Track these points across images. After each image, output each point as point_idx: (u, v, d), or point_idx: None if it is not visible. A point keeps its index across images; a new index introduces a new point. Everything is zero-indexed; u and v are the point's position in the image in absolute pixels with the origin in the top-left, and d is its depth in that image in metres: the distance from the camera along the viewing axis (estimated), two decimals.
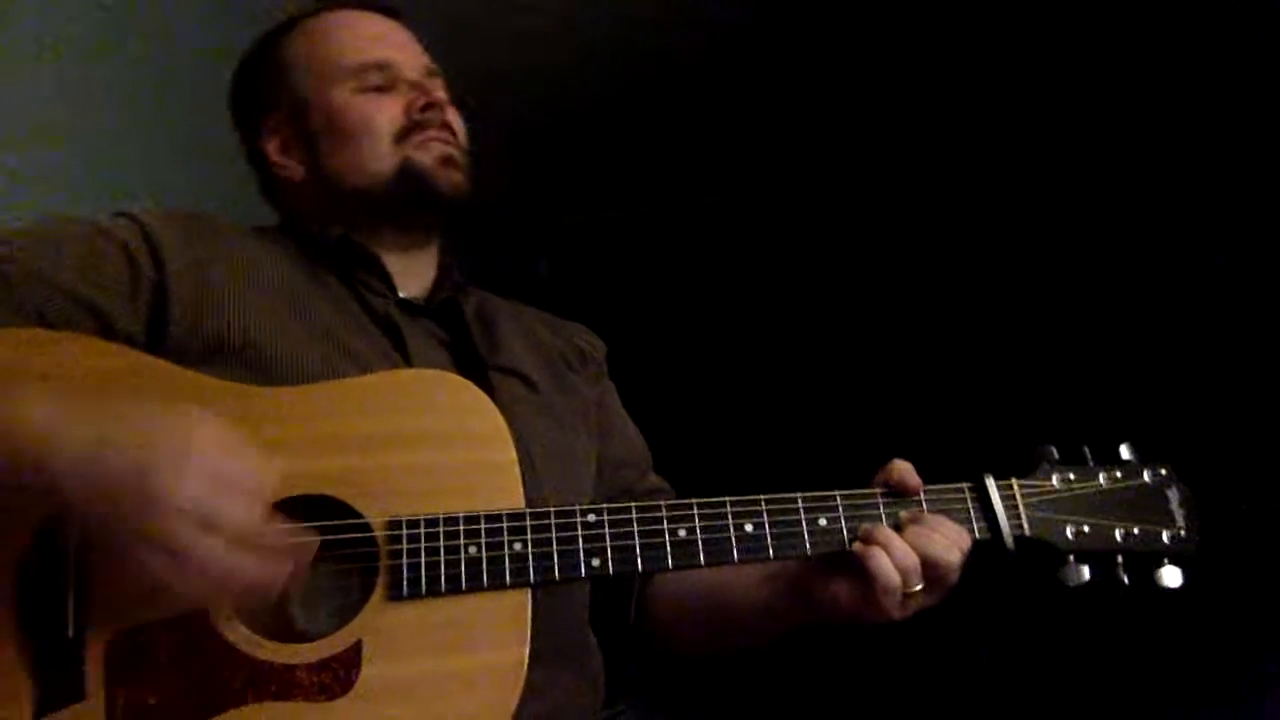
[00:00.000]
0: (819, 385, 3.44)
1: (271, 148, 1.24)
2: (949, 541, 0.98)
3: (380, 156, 1.18)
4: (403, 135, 1.19)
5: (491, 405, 1.01)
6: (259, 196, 1.33)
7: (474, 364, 1.19)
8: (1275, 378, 2.43)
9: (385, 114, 1.20)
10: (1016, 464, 1.09)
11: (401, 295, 1.21)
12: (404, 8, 1.33)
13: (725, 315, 3.73)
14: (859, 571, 0.97)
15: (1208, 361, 2.62)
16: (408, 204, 1.20)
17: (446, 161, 1.20)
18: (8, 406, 0.81)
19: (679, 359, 3.49)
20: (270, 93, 1.26)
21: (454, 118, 1.25)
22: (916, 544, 0.97)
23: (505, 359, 1.23)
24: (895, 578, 0.95)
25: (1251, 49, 2.55)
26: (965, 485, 1.05)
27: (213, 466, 0.80)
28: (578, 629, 1.17)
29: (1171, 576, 1.06)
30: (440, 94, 1.23)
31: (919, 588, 0.97)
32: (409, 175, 1.18)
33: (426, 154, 1.19)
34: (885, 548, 0.96)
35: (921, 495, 1.03)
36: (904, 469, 1.03)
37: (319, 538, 0.91)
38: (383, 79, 1.21)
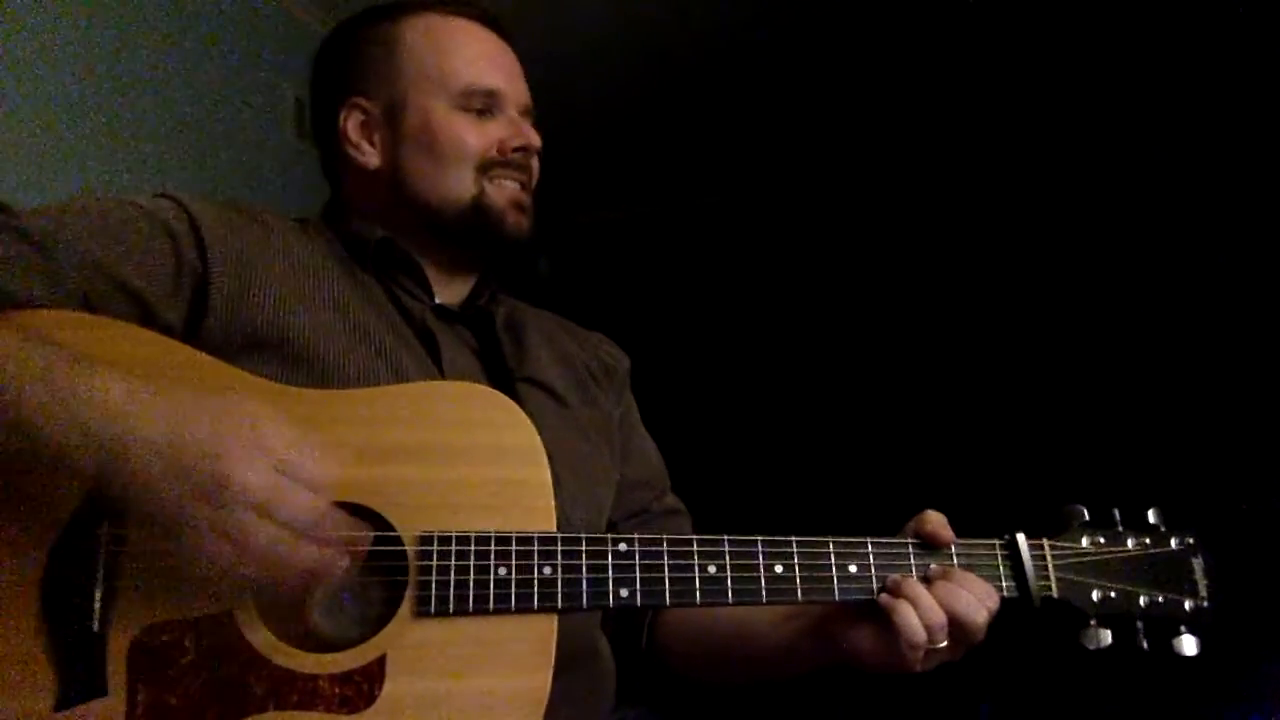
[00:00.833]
0: (817, 383, 3.44)
1: (351, 126, 1.23)
2: (977, 600, 0.97)
3: (460, 182, 1.19)
4: (487, 167, 1.20)
5: (528, 423, 1.00)
6: (261, 199, 1.32)
7: (502, 374, 1.19)
8: (1275, 376, 2.44)
9: (478, 141, 1.20)
10: (1042, 521, 1.09)
11: (437, 301, 1.20)
12: None
13: (727, 316, 3.73)
14: (885, 622, 0.97)
15: (1208, 358, 2.63)
16: (469, 235, 1.20)
17: (518, 205, 1.22)
18: (86, 382, 0.82)
19: (679, 359, 3.49)
20: (369, 73, 1.24)
21: (537, 160, 1.26)
22: (945, 600, 0.96)
23: (533, 370, 1.23)
24: (921, 634, 0.95)
25: (1251, 49, 2.56)
26: (996, 542, 1.04)
27: (279, 458, 0.82)
28: (590, 633, 1.17)
29: (1189, 645, 1.06)
30: (534, 139, 1.24)
31: (944, 644, 0.96)
32: (480, 210, 1.19)
33: (501, 194, 1.20)
34: (913, 602, 0.96)
35: (952, 549, 1.03)
36: (937, 521, 1.03)
37: (369, 534, 0.91)
38: (485, 105, 1.21)
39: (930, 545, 1.02)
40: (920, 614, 0.95)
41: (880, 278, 3.53)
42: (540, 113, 1.30)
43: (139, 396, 0.83)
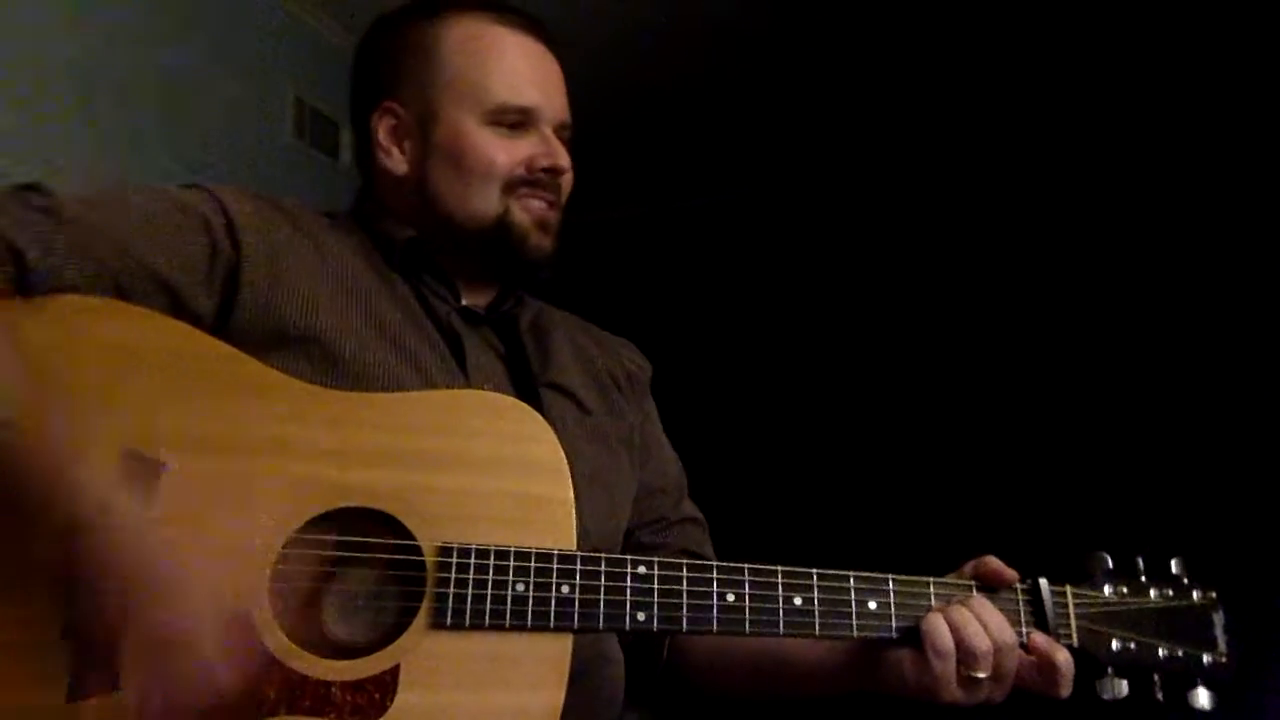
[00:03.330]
0: (821, 385, 3.42)
1: (383, 130, 1.21)
2: (1005, 625, 0.99)
3: (486, 199, 1.17)
4: (513, 185, 1.17)
5: (554, 438, 0.99)
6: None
7: (526, 379, 1.18)
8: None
9: (507, 159, 1.17)
10: (1063, 566, 1.08)
11: (464, 303, 1.20)
12: None
13: (731, 316, 3.71)
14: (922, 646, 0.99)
15: (1210, 359, 2.61)
16: (491, 252, 1.19)
17: (542, 225, 1.19)
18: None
19: (681, 359, 3.47)
20: (403, 77, 1.21)
21: (568, 179, 1.22)
22: (954, 623, 0.98)
23: (557, 376, 1.22)
24: (948, 639, 0.96)
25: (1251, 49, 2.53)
26: (1019, 586, 1.04)
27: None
28: (605, 643, 1.15)
29: (1204, 699, 1.05)
30: (563, 160, 1.20)
31: (982, 674, 0.97)
32: (504, 229, 1.17)
33: (527, 214, 1.18)
34: (945, 615, 0.98)
35: (974, 590, 1.02)
36: (998, 564, 1.04)
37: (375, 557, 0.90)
38: (518, 120, 1.18)
39: (989, 587, 1.03)
40: (951, 624, 0.97)
41: (887, 281, 3.49)
42: None
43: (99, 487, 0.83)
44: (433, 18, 1.22)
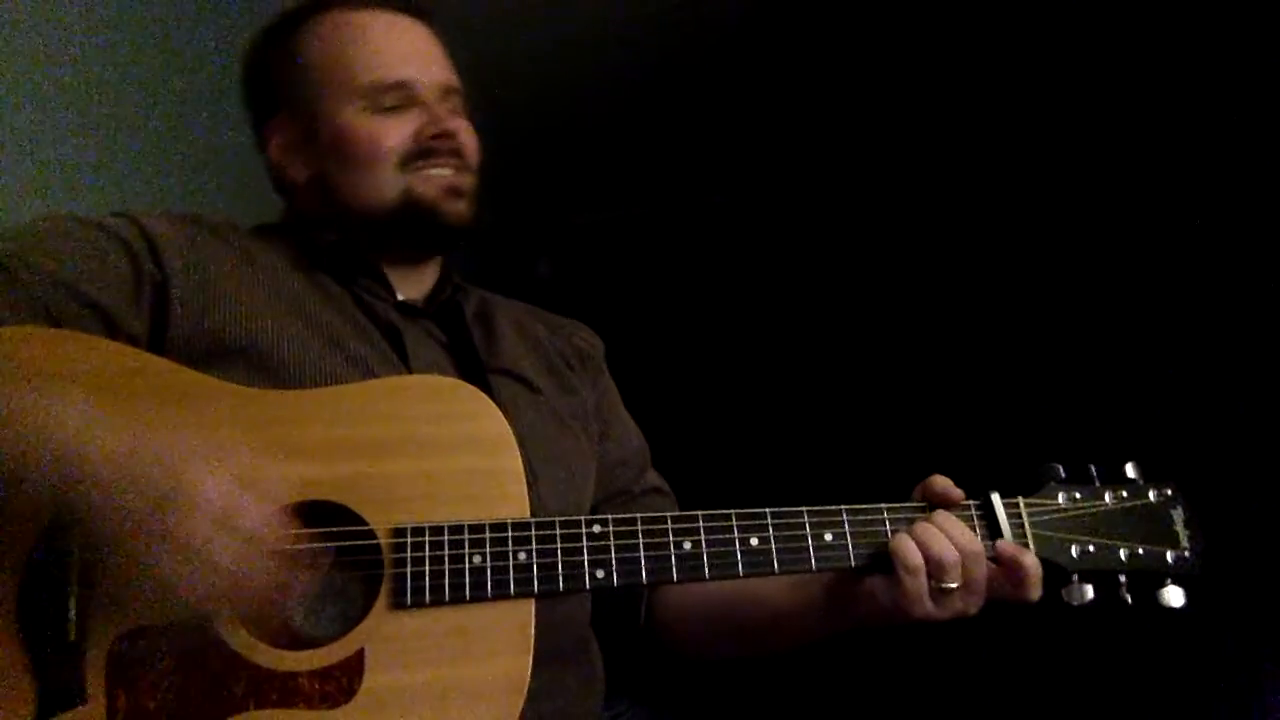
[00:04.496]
0: (822, 386, 3.44)
1: (274, 147, 1.22)
2: (970, 534, 1.01)
3: (384, 183, 1.16)
4: (408, 161, 1.16)
5: (498, 412, 1.00)
6: (253, 202, 1.32)
7: (473, 366, 1.18)
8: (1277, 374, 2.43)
9: (393, 138, 1.16)
10: (1022, 482, 1.09)
11: (400, 298, 1.20)
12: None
13: (729, 316, 3.73)
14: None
15: (1211, 359, 2.62)
16: (409, 232, 1.18)
17: (450, 191, 1.18)
18: (44, 398, 0.82)
19: (682, 360, 3.49)
20: (279, 90, 1.22)
21: (466, 138, 1.21)
22: (921, 539, 1.00)
23: (505, 361, 1.23)
24: (916, 555, 0.98)
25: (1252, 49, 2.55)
26: (971, 503, 1.05)
27: (236, 470, 0.81)
28: (580, 630, 1.17)
29: (1174, 596, 1.06)
30: (453, 122, 1.19)
31: (953, 584, 0.98)
32: (411, 206, 1.16)
33: (430, 185, 1.17)
34: (910, 533, 1.00)
35: (927, 511, 1.03)
36: (945, 482, 1.06)
37: (332, 546, 0.91)
38: (398, 99, 1.17)
39: (932, 507, 1.04)
40: (918, 540, 1.00)
41: (874, 265, 3.52)
42: (541, 113, 1.28)
43: (96, 411, 0.82)
44: (290, 31, 1.23)
